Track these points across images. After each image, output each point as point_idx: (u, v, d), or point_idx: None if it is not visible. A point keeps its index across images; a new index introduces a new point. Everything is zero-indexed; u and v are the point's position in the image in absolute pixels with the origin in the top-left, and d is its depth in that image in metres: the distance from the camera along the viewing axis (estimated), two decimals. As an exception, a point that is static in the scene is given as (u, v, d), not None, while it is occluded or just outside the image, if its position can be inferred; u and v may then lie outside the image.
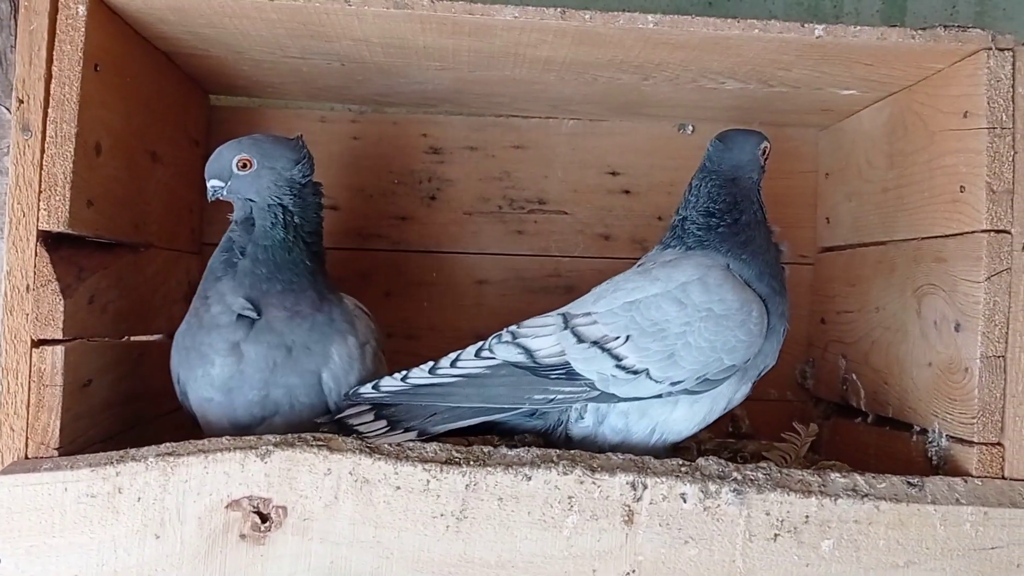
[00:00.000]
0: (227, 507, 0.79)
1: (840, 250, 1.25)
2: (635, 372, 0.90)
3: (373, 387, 0.92)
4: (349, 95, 1.23)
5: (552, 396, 0.91)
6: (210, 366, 0.90)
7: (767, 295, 0.94)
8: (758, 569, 0.83)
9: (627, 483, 0.83)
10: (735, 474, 0.85)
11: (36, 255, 0.82)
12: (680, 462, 0.86)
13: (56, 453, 0.83)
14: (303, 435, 0.82)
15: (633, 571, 0.82)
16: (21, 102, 0.83)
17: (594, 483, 0.82)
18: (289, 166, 0.95)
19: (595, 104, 1.23)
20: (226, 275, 0.92)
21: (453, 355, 0.93)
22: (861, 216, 1.19)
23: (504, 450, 0.85)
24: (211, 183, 0.95)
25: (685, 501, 0.83)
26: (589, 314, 0.93)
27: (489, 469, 0.82)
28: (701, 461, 0.86)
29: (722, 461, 0.86)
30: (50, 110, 0.83)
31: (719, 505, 0.83)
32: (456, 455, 0.83)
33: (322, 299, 0.95)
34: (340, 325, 0.95)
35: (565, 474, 0.82)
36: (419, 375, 0.92)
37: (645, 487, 0.83)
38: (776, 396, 1.33)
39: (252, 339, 0.90)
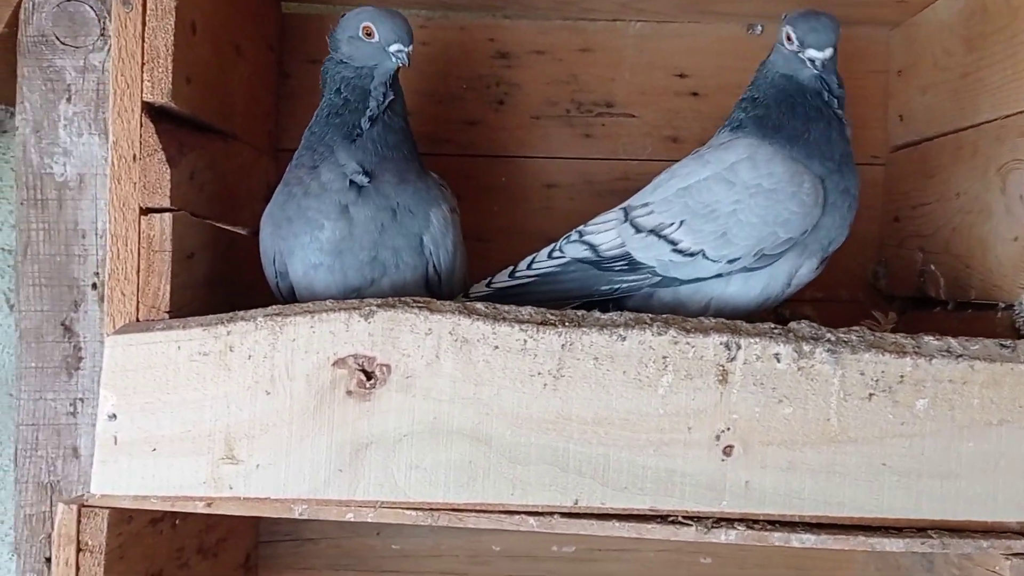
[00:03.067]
0: (333, 365, 0.82)
1: (915, 145, 1.24)
2: (691, 254, 0.93)
3: (464, 296, 0.98)
4: (417, -1, 1.24)
5: (616, 286, 0.95)
6: (319, 230, 0.92)
7: (823, 174, 0.94)
8: (853, 427, 0.84)
9: (721, 343, 0.84)
10: (828, 335, 0.85)
11: (142, 125, 0.85)
12: (772, 325, 0.86)
13: (167, 316, 0.85)
14: (404, 298, 0.84)
15: (728, 428, 0.84)
16: (121, -23, 0.85)
17: (688, 343, 0.83)
18: None
19: (662, 3, 1.22)
20: (342, 142, 0.93)
21: (529, 258, 1.00)
22: (936, 107, 1.17)
23: (597, 314, 0.86)
24: (408, 48, 0.94)
25: (779, 361, 0.84)
26: (647, 204, 0.97)
27: (584, 330, 0.83)
28: (793, 324, 0.86)
29: (815, 324, 0.86)
30: (149, -17, 0.85)
31: (813, 365, 0.84)
32: (551, 317, 0.85)
33: (422, 168, 0.99)
34: (435, 192, 0.99)
35: (659, 335, 0.84)
36: (501, 279, 0.99)
37: (739, 347, 0.84)
38: (847, 297, 1.32)
39: (361, 203, 0.92)
